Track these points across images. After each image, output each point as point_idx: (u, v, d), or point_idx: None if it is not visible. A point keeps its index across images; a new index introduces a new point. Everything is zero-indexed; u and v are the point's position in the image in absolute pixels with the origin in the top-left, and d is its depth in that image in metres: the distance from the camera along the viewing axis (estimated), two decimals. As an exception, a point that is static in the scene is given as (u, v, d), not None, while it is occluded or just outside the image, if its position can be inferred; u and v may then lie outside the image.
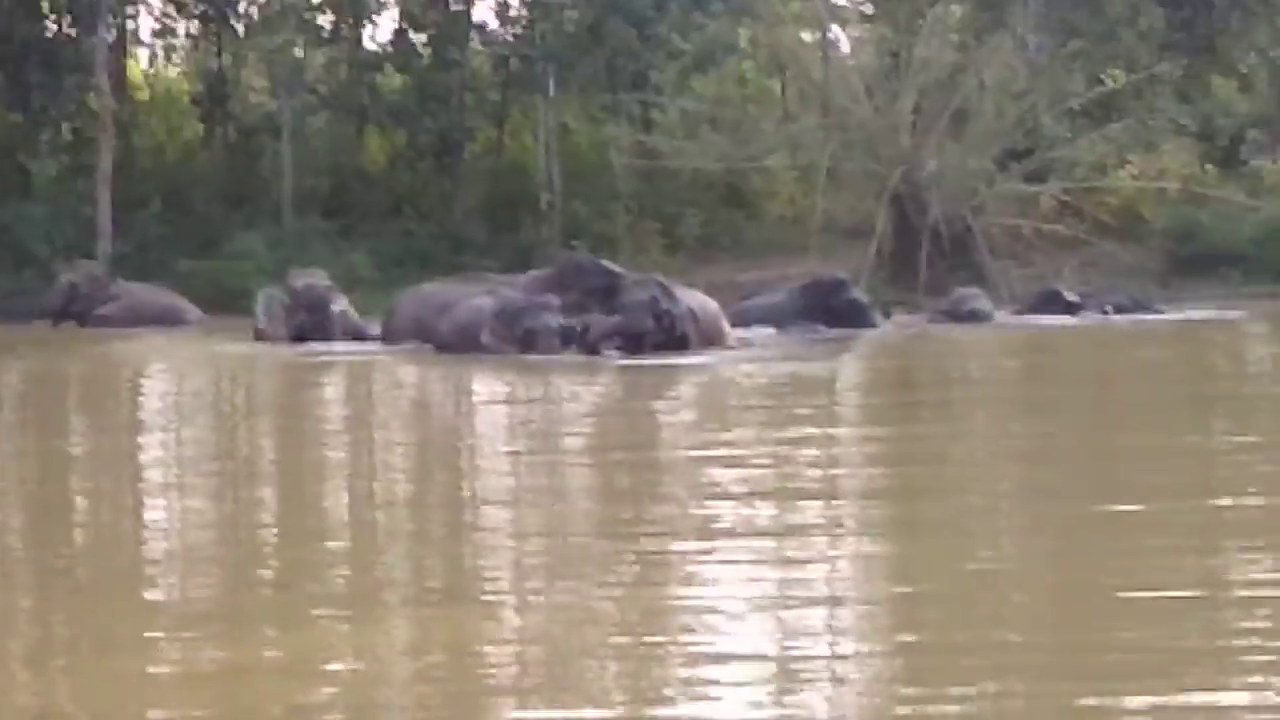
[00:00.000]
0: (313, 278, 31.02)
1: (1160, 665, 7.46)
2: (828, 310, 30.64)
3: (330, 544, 11.38)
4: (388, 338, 28.31)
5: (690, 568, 9.95)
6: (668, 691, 7.31)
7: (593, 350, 24.48)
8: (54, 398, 23.41)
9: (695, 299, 26.37)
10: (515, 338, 24.83)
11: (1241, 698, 6.83)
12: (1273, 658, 7.63)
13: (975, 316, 32.68)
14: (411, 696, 7.42)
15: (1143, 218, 43.15)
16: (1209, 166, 45.13)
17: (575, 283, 25.86)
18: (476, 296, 26.60)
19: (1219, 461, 14.63)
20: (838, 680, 7.54)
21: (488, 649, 8.22)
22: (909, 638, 8.31)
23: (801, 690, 7.43)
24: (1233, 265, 39.96)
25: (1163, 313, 33.36)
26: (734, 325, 28.25)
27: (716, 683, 7.38)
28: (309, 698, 7.31)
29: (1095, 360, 26.11)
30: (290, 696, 7.35)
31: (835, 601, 9.13)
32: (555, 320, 24.90)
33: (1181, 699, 6.90)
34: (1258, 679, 7.06)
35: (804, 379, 22.50)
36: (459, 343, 25.54)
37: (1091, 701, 6.83)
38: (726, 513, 11.62)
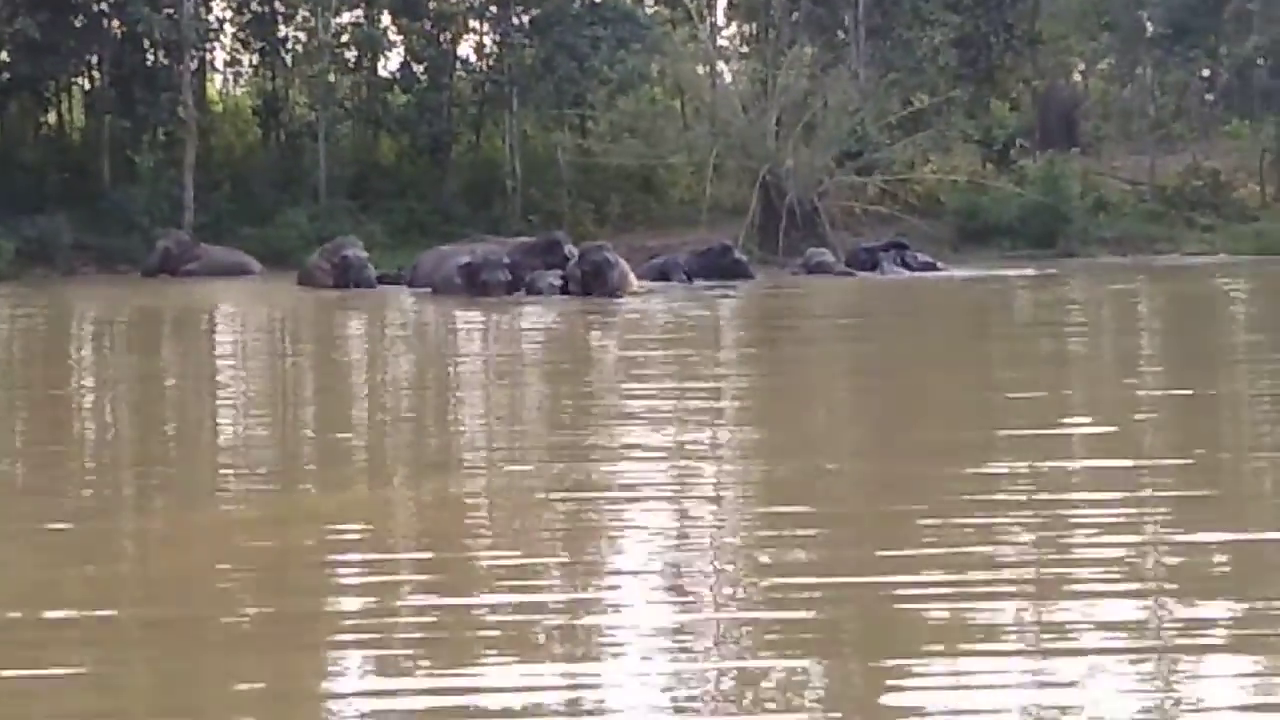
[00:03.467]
0: (347, 241, 31.80)
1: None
2: (719, 267, 31.25)
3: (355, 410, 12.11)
4: (413, 284, 29.14)
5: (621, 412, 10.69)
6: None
7: (538, 292, 25.78)
8: (170, 321, 24.10)
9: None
10: (474, 285, 26.01)
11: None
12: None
13: (822, 268, 33.05)
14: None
15: (940, 201, 43.55)
16: (988, 165, 45.75)
17: (546, 252, 27.30)
18: (460, 256, 27.64)
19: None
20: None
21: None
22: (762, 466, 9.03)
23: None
24: (1004, 236, 40.53)
25: (940, 269, 33.63)
26: (650, 278, 29.17)
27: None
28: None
29: (898, 297, 26.83)
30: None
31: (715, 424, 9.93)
32: (504, 275, 26.13)
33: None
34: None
35: (695, 313, 23.31)
36: (444, 287, 26.66)
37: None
38: (636, 401, 12.36)
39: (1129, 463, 9.02)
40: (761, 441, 10.22)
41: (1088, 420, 10.94)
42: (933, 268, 33.60)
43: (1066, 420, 10.84)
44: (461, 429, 11.28)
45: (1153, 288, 28.61)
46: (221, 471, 9.57)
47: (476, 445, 10.43)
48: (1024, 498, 7.89)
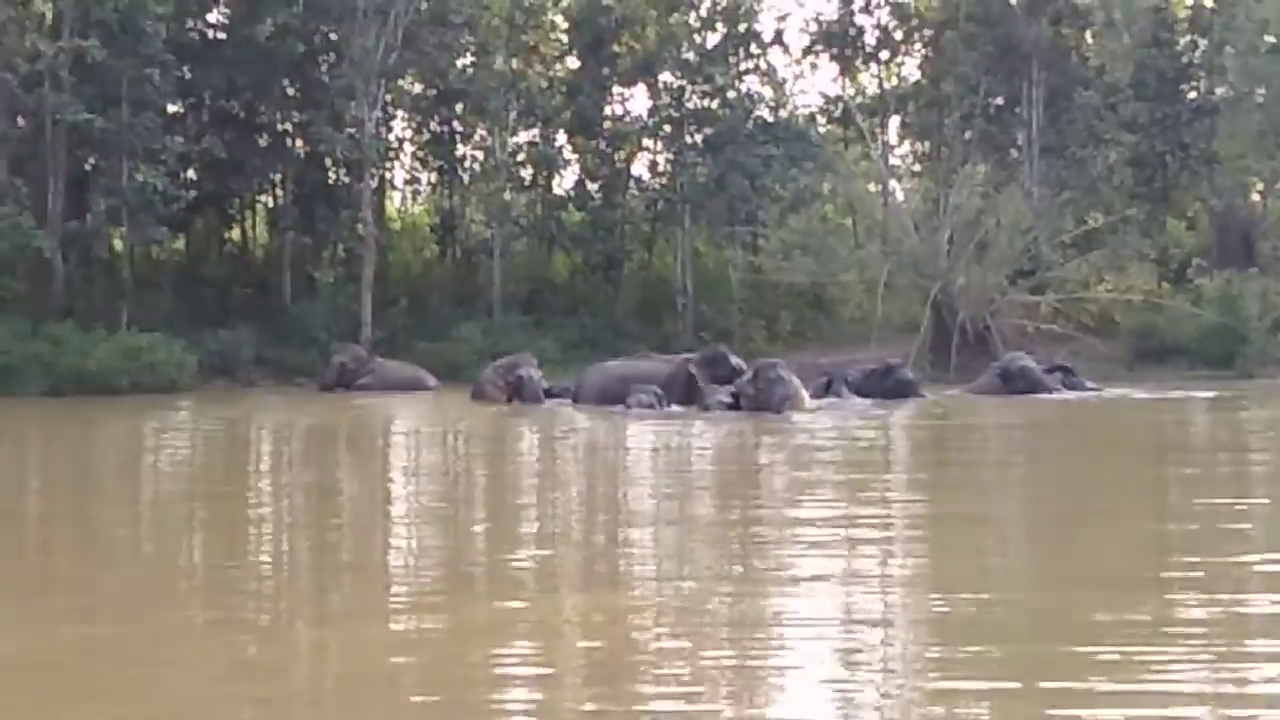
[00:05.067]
0: (522, 359, 32.18)
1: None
2: (886, 387, 31.03)
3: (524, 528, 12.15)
4: (577, 399, 29.49)
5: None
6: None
7: (708, 408, 25.95)
8: (347, 436, 24.44)
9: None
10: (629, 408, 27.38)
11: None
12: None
13: (1024, 374, 31.94)
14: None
15: (1115, 320, 43.13)
16: (1164, 284, 45.20)
17: (713, 366, 27.65)
18: (622, 377, 28.48)
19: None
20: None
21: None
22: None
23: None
24: (1180, 356, 39.97)
25: (1099, 390, 32.72)
26: (816, 395, 29.04)
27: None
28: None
29: (1070, 420, 26.35)
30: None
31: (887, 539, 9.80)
32: (649, 400, 27.35)
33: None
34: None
35: (864, 434, 23.16)
36: (607, 402, 27.95)
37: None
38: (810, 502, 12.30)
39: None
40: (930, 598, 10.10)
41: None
42: (1095, 392, 32.73)
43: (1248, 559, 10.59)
44: (629, 550, 11.28)
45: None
46: (393, 589, 9.70)
47: (644, 568, 10.44)
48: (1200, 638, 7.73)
